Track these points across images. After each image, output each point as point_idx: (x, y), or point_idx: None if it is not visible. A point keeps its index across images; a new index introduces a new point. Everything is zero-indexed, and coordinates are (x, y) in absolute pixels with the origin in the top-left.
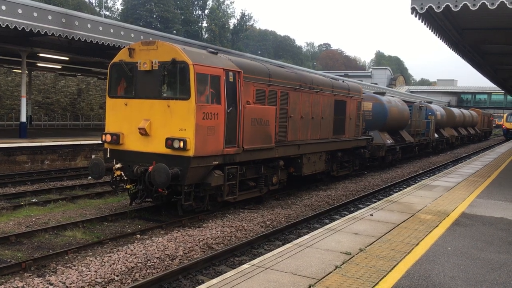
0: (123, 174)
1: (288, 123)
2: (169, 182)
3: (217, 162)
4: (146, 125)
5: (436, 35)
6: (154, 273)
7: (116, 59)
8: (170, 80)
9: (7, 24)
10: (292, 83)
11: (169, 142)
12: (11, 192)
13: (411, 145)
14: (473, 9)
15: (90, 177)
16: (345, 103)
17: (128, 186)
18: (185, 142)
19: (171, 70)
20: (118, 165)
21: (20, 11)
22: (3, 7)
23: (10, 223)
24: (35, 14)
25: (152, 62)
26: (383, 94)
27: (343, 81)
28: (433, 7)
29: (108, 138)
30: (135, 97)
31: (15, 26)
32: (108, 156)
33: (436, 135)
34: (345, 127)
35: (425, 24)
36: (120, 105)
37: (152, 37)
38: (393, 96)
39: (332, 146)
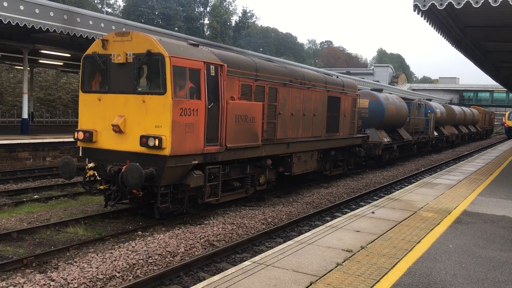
0: (96, 174)
1: (277, 120)
2: (142, 183)
3: (196, 162)
4: (120, 122)
5: (438, 33)
6: (155, 269)
7: (89, 51)
8: (145, 74)
9: (8, 21)
10: (282, 78)
11: (143, 140)
12: (13, 189)
13: (409, 143)
14: (476, 6)
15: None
16: (339, 99)
17: (101, 187)
18: (160, 140)
19: (146, 62)
20: (91, 165)
21: (22, 7)
22: (5, 4)
23: (12, 220)
24: (37, 11)
25: (126, 54)
26: (380, 91)
27: (337, 77)
28: (436, 4)
29: (81, 135)
30: (109, 91)
31: (17, 22)
32: (80, 154)
33: (435, 133)
34: (339, 124)
35: (427, 22)
36: (93, 100)
37: (154, 34)
38: (391, 93)
39: (324, 144)
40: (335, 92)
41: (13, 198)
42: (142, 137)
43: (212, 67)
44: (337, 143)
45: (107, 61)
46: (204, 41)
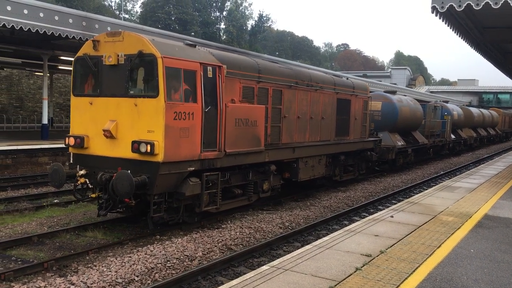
0: (88, 182)
1: (282, 124)
2: (133, 192)
3: (193, 168)
4: (111, 127)
5: (457, 34)
6: (173, 273)
7: (80, 52)
8: (137, 76)
9: (29, 28)
10: (287, 80)
11: (135, 145)
12: (33, 193)
13: (425, 146)
14: (496, 7)
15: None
16: (349, 102)
17: (93, 195)
18: (152, 145)
19: (138, 64)
20: (82, 172)
21: (41, 14)
22: (25, 11)
23: (32, 224)
24: (56, 18)
25: (118, 56)
26: (393, 92)
27: (347, 79)
28: (454, 6)
29: (72, 141)
30: (101, 95)
31: (37, 29)
32: (71, 161)
33: (453, 136)
34: (350, 128)
35: (445, 23)
36: (85, 104)
37: (170, 39)
38: (405, 95)
39: (333, 148)
40: (344, 94)
41: (33, 203)
42: (133, 142)
43: (209, 68)
44: (347, 147)
45: (98, 63)
46: (214, 44)
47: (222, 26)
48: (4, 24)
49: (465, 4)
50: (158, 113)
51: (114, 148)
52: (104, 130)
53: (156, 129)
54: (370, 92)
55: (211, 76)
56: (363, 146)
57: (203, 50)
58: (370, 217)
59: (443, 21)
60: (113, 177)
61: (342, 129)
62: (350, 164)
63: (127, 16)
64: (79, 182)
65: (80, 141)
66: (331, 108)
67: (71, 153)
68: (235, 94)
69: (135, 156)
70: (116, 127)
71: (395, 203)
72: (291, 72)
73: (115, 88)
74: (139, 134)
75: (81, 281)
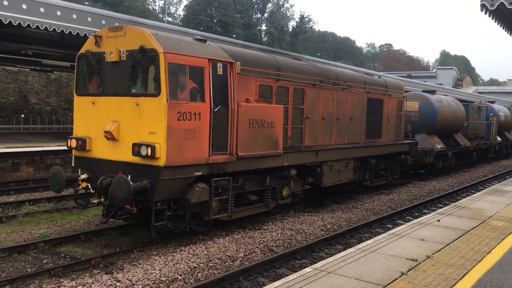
0: (90, 187)
1: (305, 126)
2: (130, 199)
3: (200, 173)
4: (112, 128)
5: (508, 33)
6: (215, 273)
7: (82, 49)
8: (139, 73)
9: (77, 32)
10: (310, 78)
11: (136, 148)
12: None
13: (467, 150)
14: None
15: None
16: (381, 102)
17: (95, 201)
18: (153, 148)
19: (140, 60)
20: (84, 176)
21: (89, 19)
22: (74, 16)
23: (80, 222)
24: (103, 22)
25: (119, 52)
26: (432, 92)
27: (379, 77)
28: (505, 3)
29: (74, 143)
30: (103, 94)
31: (85, 33)
32: (73, 164)
33: (499, 139)
34: (382, 129)
35: (495, 22)
36: (88, 104)
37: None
38: (446, 95)
39: (362, 152)
40: (376, 93)
41: None
42: (134, 145)
43: (219, 65)
44: (379, 151)
45: (100, 60)
46: (241, 42)
47: (264, 27)
48: (54, 28)
49: None
50: (159, 113)
51: (115, 151)
52: (105, 132)
53: (157, 130)
54: (407, 92)
55: (221, 73)
56: (396, 149)
57: (213, 46)
58: (415, 220)
59: (492, 19)
60: None
61: (373, 131)
62: (383, 168)
63: (170, 19)
64: (80, 187)
65: (82, 143)
66: (360, 109)
67: (73, 156)
68: (251, 93)
69: (136, 159)
70: (118, 128)
71: (441, 207)
72: (315, 70)
73: (117, 86)
74: (141, 136)
75: (127, 278)
